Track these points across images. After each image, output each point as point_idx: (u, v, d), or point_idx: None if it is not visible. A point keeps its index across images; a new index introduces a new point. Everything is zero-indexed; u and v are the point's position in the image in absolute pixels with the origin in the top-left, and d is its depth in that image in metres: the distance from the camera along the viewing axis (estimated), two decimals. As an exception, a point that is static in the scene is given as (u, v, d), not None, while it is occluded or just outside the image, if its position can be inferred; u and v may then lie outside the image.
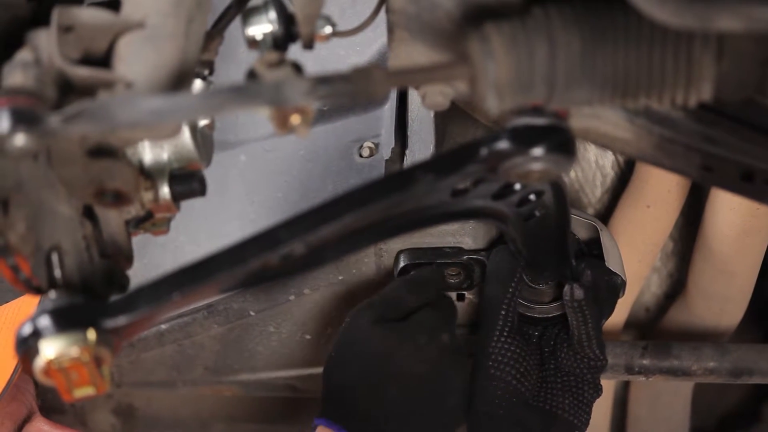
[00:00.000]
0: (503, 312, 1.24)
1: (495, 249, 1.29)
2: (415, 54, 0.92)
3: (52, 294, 0.87)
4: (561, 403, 1.24)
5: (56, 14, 0.83)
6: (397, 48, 0.92)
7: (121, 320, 0.86)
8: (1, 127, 0.76)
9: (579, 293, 1.21)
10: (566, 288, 1.22)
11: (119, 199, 0.87)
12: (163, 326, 1.41)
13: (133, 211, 0.93)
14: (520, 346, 1.24)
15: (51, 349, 0.84)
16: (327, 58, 1.24)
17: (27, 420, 1.38)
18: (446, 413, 1.22)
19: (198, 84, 0.99)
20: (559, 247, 1.19)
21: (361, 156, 1.36)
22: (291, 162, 1.39)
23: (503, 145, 0.85)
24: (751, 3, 0.70)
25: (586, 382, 1.25)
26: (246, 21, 0.88)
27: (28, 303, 1.30)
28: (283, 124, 0.78)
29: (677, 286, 1.60)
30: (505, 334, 1.24)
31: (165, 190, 0.91)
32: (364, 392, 1.19)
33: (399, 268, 1.31)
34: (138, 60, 0.84)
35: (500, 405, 1.22)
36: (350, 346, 1.22)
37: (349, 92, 0.77)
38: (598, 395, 1.27)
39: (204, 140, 0.95)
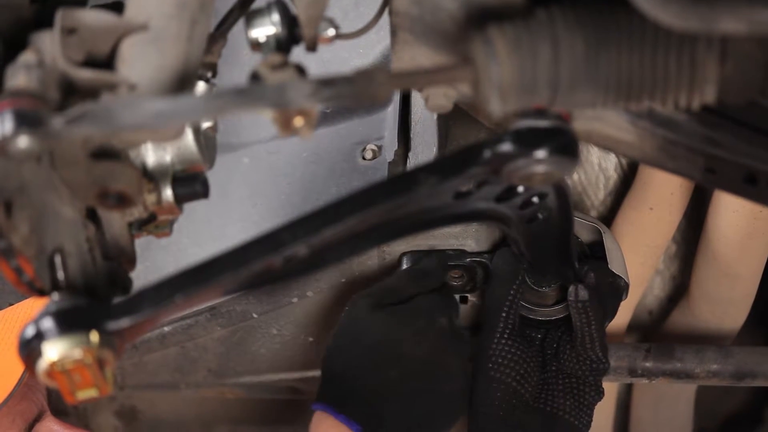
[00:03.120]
0: (504, 314, 1.24)
1: (498, 251, 1.29)
2: (419, 56, 0.92)
3: (55, 296, 0.87)
4: (562, 405, 1.24)
5: (60, 16, 0.83)
6: (400, 50, 0.92)
7: (124, 322, 0.86)
8: (5, 128, 0.76)
9: (584, 294, 1.21)
10: (571, 288, 1.22)
11: (122, 201, 0.87)
12: (166, 328, 1.41)
13: (136, 213, 0.93)
14: (520, 348, 1.24)
15: (54, 351, 0.84)
16: (330, 60, 1.24)
17: (37, 419, 1.39)
18: (445, 398, 1.22)
19: (201, 86, 0.99)
20: (562, 250, 1.19)
21: (364, 158, 1.36)
22: (294, 164, 1.39)
23: (506, 147, 0.85)
24: (754, 6, 0.70)
25: (587, 385, 1.25)
26: (249, 23, 0.88)
27: (38, 305, 1.30)
28: (286, 126, 0.78)
29: (680, 288, 1.60)
30: (505, 336, 1.24)
31: (168, 192, 0.91)
32: (363, 375, 1.19)
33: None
34: (141, 62, 0.84)
35: (500, 407, 1.22)
36: (350, 332, 1.23)
37: (352, 94, 0.77)
38: (600, 398, 1.27)
39: (207, 142, 0.95)
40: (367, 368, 1.20)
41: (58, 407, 1.50)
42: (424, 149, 1.29)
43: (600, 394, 1.27)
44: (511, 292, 1.24)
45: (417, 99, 1.28)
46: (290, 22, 0.88)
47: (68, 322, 0.85)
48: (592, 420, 1.27)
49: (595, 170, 1.49)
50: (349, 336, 1.22)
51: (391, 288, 1.26)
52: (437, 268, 1.30)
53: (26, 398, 1.36)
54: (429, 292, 1.27)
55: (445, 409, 1.22)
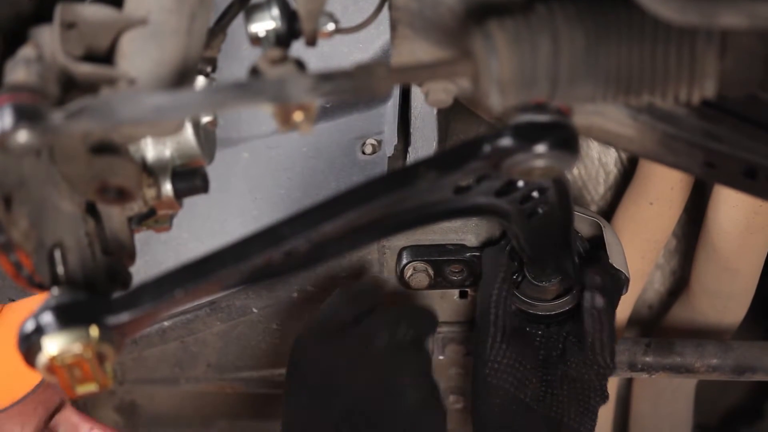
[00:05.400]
0: (492, 317, 1.23)
1: (485, 250, 1.28)
2: (418, 51, 0.92)
3: (55, 291, 0.87)
4: (567, 411, 1.23)
5: (59, 11, 0.83)
6: (400, 45, 0.92)
7: (123, 317, 0.86)
8: (4, 123, 0.76)
9: (600, 301, 1.20)
10: (587, 295, 1.21)
11: (122, 195, 0.87)
12: (166, 323, 1.41)
13: (136, 207, 0.93)
14: (516, 349, 1.23)
15: (54, 345, 0.84)
16: (330, 55, 1.23)
17: (58, 409, 1.40)
18: (404, 414, 1.20)
19: (200, 81, 0.99)
20: (562, 244, 1.19)
21: (363, 153, 1.36)
22: (294, 159, 1.39)
23: (506, 141, 0.85)
24: (754, 0, 0.70)
25: (593, 389, 1.24)
26: (249, 18, 0.88)
27: None
28: (285, 120, 0.78)
29: (680, 283, 1.60)
30: (498, 340, 1.23)
31: (167, 187, 0.91)
32: (315, 415, 1.19)
33: (402, 265, 1.32)
34: (141, 57, 0.84)
35: (500, 413, 1.22)
36: (297, 370, 1.22)
37: (351, 89, 0.77)
38: (604, 402, 1.26)
39: (207, 137, 0.95)
40: (317, 408, 1.19)
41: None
42: (424, 144, 1.29)
43: (604, 398, 1.26)
44: (494, 293, 1.24)
45: (417, 94, 1.28)
46: (290, 16, 0.88)
47: (68, 317, 0.85)
48: (595, 424, 1.26)
49: (595, 165, 1.49)
50: (297, 375, 1.22)
51: (328, 314, 1.25)
52: (371, 286, 1.30)
53: (50, 387, 1.38)
54: (370, 311, 1.27)
55: (405, 426, 1.21)
